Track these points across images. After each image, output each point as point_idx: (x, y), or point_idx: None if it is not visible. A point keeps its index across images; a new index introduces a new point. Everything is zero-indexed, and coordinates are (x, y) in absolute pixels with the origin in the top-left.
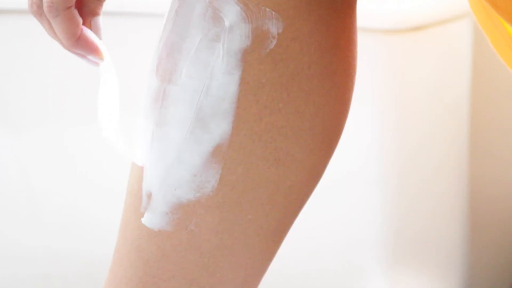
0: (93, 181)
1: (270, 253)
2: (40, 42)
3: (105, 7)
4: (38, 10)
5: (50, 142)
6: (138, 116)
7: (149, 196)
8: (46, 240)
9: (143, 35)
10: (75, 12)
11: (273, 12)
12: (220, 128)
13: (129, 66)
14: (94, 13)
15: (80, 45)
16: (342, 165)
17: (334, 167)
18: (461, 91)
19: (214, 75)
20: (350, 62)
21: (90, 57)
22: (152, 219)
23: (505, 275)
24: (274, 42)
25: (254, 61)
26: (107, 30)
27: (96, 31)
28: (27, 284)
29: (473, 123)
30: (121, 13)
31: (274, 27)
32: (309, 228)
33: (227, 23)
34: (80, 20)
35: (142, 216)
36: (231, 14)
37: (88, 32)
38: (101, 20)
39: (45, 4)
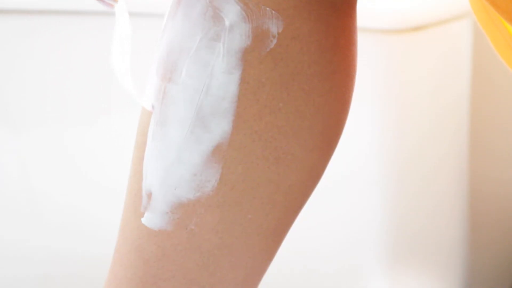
0: (93, 181)
1: (270, 253)
2: (40, 42)
3: (105, 7)
4: None
5: (51, 142)
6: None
7: (149, 195)
8: (46, 240)
9: (143, 35)
10: None
11: (273, 12)
12: (220, 127)
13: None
14: None
15: None
16: (342, 165)
17: (334, 167)
18: (461, 91)
19: (214, 74)
20: (350, 61)
21: None
22: (152, 219)
23: (505, 275)
24: (274, 41)
25: (254, 60)
26: (107, 30)
27: None
28: (27, 284)
29: (473, 123)
30: None
31: (274, 27)
32: (309, 228)
33: (227, 23)
34: None
35: (142, 216)
36: (231, 13)
37: None
38: None
39: None
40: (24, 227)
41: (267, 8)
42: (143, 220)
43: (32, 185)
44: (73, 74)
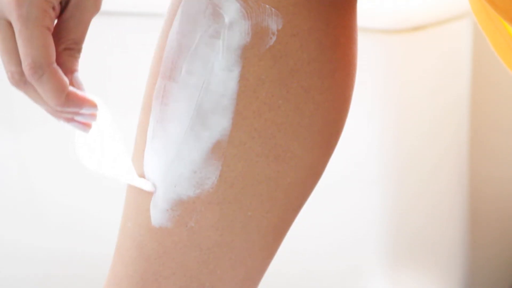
0: (93, 181)
1: (271, 251)
2: None
3: (105, 7)
4: (21, 79)
5: (51, 142)
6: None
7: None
8: (46, 240)
9: (143, 35)
10: (58, 67)
11: (273, 9)
12: (219, 124)
13: (129, 66)
14: (72, 71)
15: (71, 100)
16: (342, 165)
17: (334, 166)
18: (461, 91)
19: (213, 71)
20: (350, 60)
21: (84, 110)
22: (152, 216)
23: (505, 275)
24: (274, 38)
25: (253, 57)
26: (107, 30)
27: (78, 87)
28: (27, 284)
29: (473, 123)
30: (121, 13)
31: (273, 24)
32: (309, 228)
33: (226, 20)
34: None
35: (143, 214)
36: (231, 10)
37: (73, 88)
38: (79, 76)
39: (26, 68)
40: (24, 227)
41: (267, 6)
42: None
43: (32, 185)
44: None
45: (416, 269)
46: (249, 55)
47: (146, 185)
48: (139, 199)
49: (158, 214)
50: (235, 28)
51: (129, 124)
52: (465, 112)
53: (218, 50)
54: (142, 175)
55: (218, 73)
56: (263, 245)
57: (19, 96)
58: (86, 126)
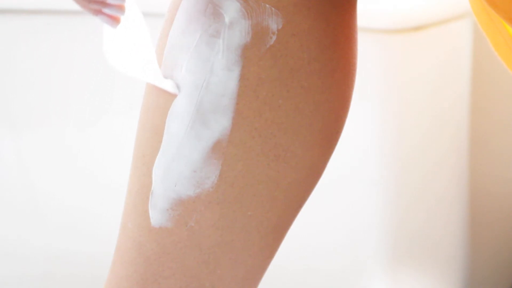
0: (93, 180)
1: (271, 251)
2: (41, 42)
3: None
4: None
5: (51, 141)
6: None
7: (150, 192)
8: (47, 240)
9: None
10: None
11: (273, 9)
12: (220, 124)
13: None
14: None
15: None
16: (342, 165)
17: (334, 166)
18: (461, 91)
19: (214, 71)
20: (350, 59)
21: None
22: (152, 216)
23: (505, 275)
24: (274, 38)
25: (253, 57)
26: None
27: None
28: (27, 284)
29: (473, 123)
30: None
31: (274, 23)
32: (309, 227)
33: (227, 19)
34: None
35: (142, 214)
36: (231, 10)
37: None
38: None
39: None
40: (24, 226)
41: (267, 5)
42: None
43: (33, 184)
44: (74, 73)
45: (416, 269)
46: (249, 55)
47: (170, 87)
48: (139, 199)
49: (157, 214)
50: (235, 28)
51: (130, 123)
52: (465, 112)
53: (218, 49)
54: (142, 174)
55: (218, 72)
56: (263, 244)
57: (19, 96)
58: (114, 20)
